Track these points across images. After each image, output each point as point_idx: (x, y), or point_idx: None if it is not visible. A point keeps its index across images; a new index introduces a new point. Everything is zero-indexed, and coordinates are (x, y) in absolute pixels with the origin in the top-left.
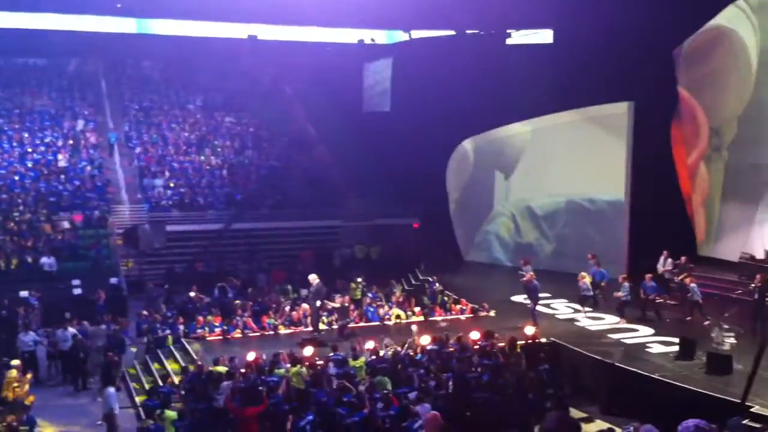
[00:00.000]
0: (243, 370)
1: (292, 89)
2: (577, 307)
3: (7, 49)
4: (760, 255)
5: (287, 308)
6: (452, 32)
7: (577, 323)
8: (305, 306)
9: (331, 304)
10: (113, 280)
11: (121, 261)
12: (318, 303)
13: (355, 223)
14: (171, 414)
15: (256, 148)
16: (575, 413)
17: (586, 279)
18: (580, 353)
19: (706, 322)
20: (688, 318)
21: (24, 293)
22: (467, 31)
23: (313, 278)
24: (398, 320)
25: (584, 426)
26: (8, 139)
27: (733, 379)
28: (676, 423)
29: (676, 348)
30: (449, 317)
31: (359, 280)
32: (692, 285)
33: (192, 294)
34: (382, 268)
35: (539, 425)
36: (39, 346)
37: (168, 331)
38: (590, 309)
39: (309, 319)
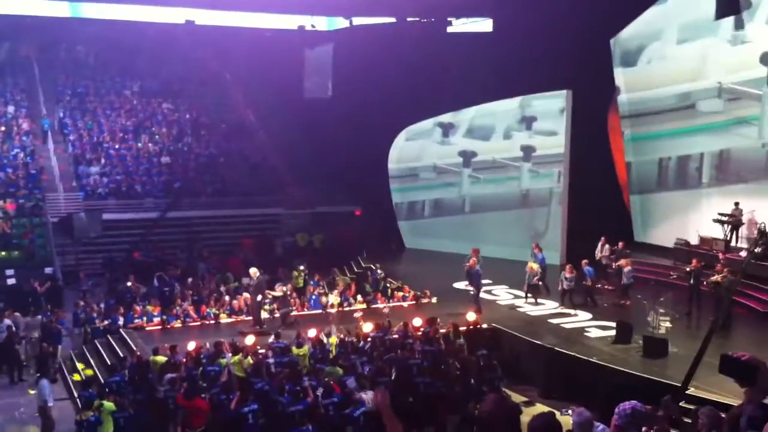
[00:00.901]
0: (184, 360)
1: (232, 75)
2: (518, 292)
3: None
4: (694, 241)
5: (227, 297)
6: (393, 19)
7: (518, 309)
8: (246, 295)
9: (271, 294)
10: (48, 270)
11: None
12: (259, 297)
13: (297, 211)
14: (109, 405)
15: (194, 135)
16: (515, 397)
17: (534, 268)
18: (520, 338)
19: (628, 302)
20: (623, 302)
21: None
22: (408, 19)
23: (254, 272)
24: (341, 308)
25: (525, 409)
26: None
27: (669, 361)
28: (613, 405)
29: (613, 332)
30: (391, 304)
31: (301, 268)
32: (626, 269)
33: (129, 283)
34: (325, 256)
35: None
36: None
37: (106, 322)
38: (538, 299)
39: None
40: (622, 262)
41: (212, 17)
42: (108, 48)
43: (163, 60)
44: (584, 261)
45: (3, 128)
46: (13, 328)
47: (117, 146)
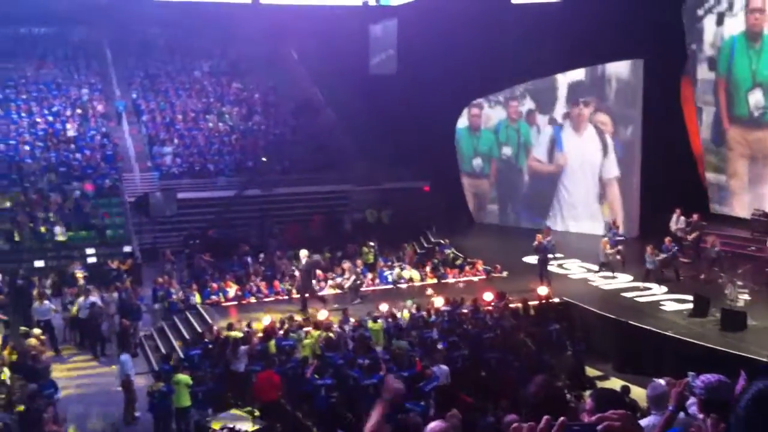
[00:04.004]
0: (260, 335)
1: (298, 53)
2: (590, 266)
3: (10, 19)
4: None
5: (297, 273)
6: None
7: (590, 283)
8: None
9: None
10: (127, 248)
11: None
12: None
13: (365, 187)
14: (184, 378)
15: (263, 114)
16: (590, 371)
17: (606, 247)
18: (594, 312)
19: (720, 279)
20: (703, 276)
21: (39, 263)
22: None
23: (304, 254)
24: (411, 283)
25: (599, 384)
26: (17, 109)
27: (748, 335)
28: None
29: (689, 306)
30: (462, 279)
31: (371, 244)
32: (715, 248)
33: (204, 261)
34: (394, 231)
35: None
36: (55, 315)
37: (182, 296)
38: (610, 273)
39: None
40: (710, 239)
41: None
42: (177, 29)
43: (231, 40)
44: (667, 238)
45: (79, 111)
46: (98, 305)
47: (189, 126)
